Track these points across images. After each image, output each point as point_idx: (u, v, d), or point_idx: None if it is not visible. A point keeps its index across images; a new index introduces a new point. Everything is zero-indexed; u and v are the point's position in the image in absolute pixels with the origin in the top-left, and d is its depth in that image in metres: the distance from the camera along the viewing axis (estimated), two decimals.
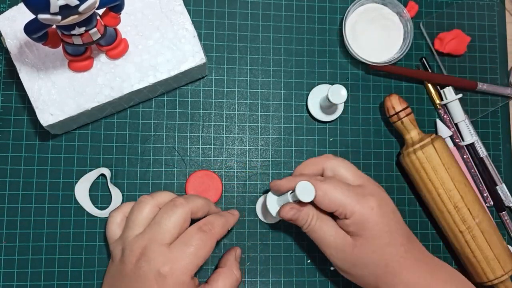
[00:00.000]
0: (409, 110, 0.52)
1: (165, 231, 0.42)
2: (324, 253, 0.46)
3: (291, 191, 0.48)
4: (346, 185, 0.45)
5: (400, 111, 0.52)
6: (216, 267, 0.49)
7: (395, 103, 0.52)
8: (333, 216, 0.46)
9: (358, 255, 0.44)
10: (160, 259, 0.41)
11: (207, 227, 0.43)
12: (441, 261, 0.47)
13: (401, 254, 0.44)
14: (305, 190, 0.45)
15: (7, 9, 0.49)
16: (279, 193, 0.48)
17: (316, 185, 0.44)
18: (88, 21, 0.40)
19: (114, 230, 0.46)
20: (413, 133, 0.53)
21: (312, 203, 0.45)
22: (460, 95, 0.56)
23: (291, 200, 0.48)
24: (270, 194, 0.52)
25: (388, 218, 0.44)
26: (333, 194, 0.44)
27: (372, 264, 0.44)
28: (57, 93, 0.47)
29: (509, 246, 0.54)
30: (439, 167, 0.50)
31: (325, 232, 0.45)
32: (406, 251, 0.44)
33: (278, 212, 0.49)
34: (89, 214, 0.52)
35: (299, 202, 0.45)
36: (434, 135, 0.52)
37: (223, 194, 0.53)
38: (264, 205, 0.52)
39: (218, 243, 0.48)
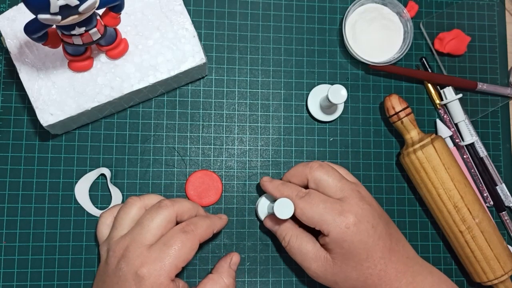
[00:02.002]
0: (409, 110, 0.52)
1: (146, 232, 0.42)
2: (306, 271, 0.47)
3: (271, 202, 0.49)
4: (324, 201, 0.45)
5: (400, 111, 0.52)
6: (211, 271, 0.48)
7: (395, 103, 0.52)
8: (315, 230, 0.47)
9: (338, 272, 0.45)
10: (139, 260, 0.40)
11: (190, 227, 0.43)
12: (430, 265, 0.48)
13: (381, 268, 0.44)
14: (283, 208, 0.46)
15: (7, 9, 0.49)
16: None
17: (295, 203, 0.45)
18: (88, 21, 0.40)
19: (104, 231, 0.46)
20: (413, 133, 0.53)
21: (294, 218, 0.47)
22: (460, 95, 0.56)
23: (270, 210, 0.49)
24: (263, 198, 0.52)
25: (365, 235, 0.44)
26: (310, 212, 0.45)
27: (352, 279, 0.45)
28: (57, 93, 0.47)
29: (509, 246, 0.54)
30: (439, 167, 0.50)
31: (304, 252, 0.46)
32: (386, 264, 0.45)
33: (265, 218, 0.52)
34: (89, 214, 0.52)
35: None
36: (434, 135, 0.52)
37: (223, 194, 0.53)
38: (264, 206, 0.52)
39: (202, 245, 0.48)
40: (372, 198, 0.48)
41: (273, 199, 0.49)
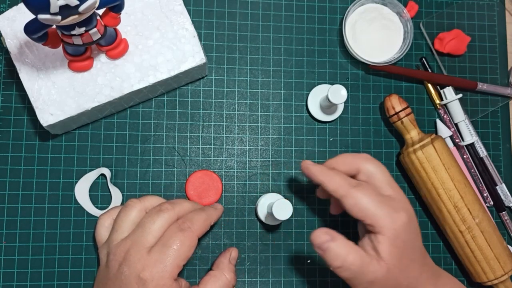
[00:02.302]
0: (409, 110, 0.52)
1: (148, 235, 0.42)
2: (355, 286, 0.42)
3: (271, 202, 0.49)
4: (379, 195, 0.42)
5: (400, 111, 0.52)
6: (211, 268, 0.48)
7: (395, 103, 0.52)
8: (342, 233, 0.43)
9: (390, 278, 0.41)
10: (141, 263, 0.40)
11: (186, 224, 0.42)
12: (445, 272, 0.48)
13: (419, 271, 0.43)
14: (283, 209, 0.46)
15: (7, 9, 0.49)
16: (306, 176, 0.45)
17: (349, 191, 0.42)
18: (88, 21, 0.40)
19: (103, 233, 0.46)
20: (413, 133, 0.53)
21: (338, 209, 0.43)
22: (460, 95, 0.56)
23: (269, 211, 0.49)
24: (263, 198, 0.52)
25: (414, 235, 0.43)
26: (364, 204, 0.41)
27: (398, 284, 0.42)
28: (57, 93, 0.47)
29: (509, 246, 0.54)
30: (439, 167, 0.50)
31: (357, 266, 0.41)
32: (422, 270, 0.44)
33: (266, 218, 0.52)
34: (89, 214, 0.52)
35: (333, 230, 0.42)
36: (434, 135, 0.52)
37: (223, 194, 0.53)
38: (264, 206, 0.52)
39: (201, 242, 0.48)
40: None
41: (277, 199, 0.48)
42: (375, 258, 0.41)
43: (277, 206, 0.46)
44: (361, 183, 0.43)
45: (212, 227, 0.50)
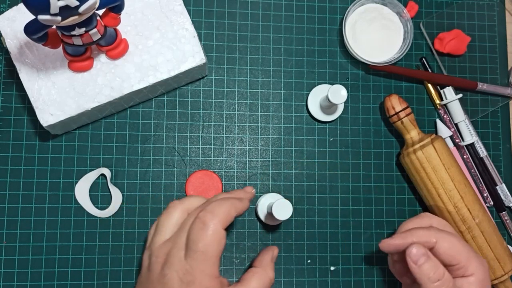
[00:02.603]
0: (409, 110, 0.52)
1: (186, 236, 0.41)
2: None
3: (271, 202, 0.49)
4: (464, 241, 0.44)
5: (400, 111, 0.52)
6: (250, 265, 0.47)
7: (395, 103, 0.52)
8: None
9: None
10: (181, 266, 0.39)
11: (207, 217, 0.40)
12: None
13: None
14: (282, 209, 0.46)
15: (7, 9, 0.49)
16: (395, 251, 0.45)
17: (440, 235, 0.42)
18: (88, 22, 0.40)
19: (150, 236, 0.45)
20: (413, 133, 0.53)
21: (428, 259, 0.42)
22: (460, 95, 0.56)
23: (269, 210, 0.49)
24: (263, 198, 0.52)
25: (490, 283, 0.44)
26: (459, 247, 0.42)
27: None
28: (57, 93, 0.47)
29: (509, 246, 0.54)
30: (439, 167, 0.51)
31: None
32: None
33: (266, 218, 0.52)
34: (89, 214, 0.52)
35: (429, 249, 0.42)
36: (434, 135, 0.52)
37: None
38: (264, 206, 0.52)
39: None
40: None
41: (277, 198, 0.49)
42: None
43: (277, 206, 0.46)
44: (444, 230, 0.44)
45: (236, 218, 0.48)
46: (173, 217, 0.43)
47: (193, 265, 0.39)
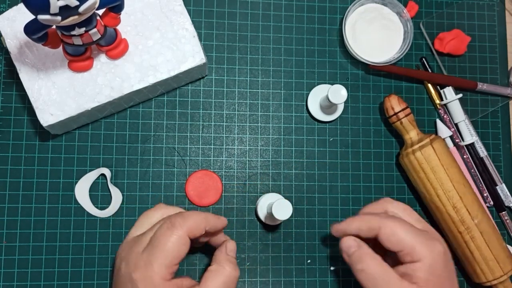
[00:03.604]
0: (408, 110, 0.52)
1: (148, 235, 0.41)
2: None
3: (271, 202, 0.49)
4: (413, 226, 0.43)
5: (399, 111, 0.52)
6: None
7: (394, 104, 0.52)
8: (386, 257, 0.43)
9: None
10: (134, 262, 0.40)
11: (177, 221, 0.40)
12: None
13: None
14: (282, 209, 0.46)
15: (7, 9, 0.49)
16: (342, 235, 0.45)
17: (382, 222, 0.42)
18: (88, 22, 0.40)
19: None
20: (412, 134, 0.53)
21: (373, 242, 0.43)
22: (460, 95, 0.56)
23: (269, 211, 0.49)
24: (263, 198, 0.52)
25: (450, 265, 0.43)
26: (401, 233, 0.41)
27: None
28: (57, 93, 0.47)
29: (509, 246, 0.54)
30: (437, 168, 0.50)
31: (386, 282, 0.41)
32: None
33: (266, 218, 0.52)
34: (89, 214, 0.52)
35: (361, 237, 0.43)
36: (433, 136, 0.52)
37: (223, 194, 0.53)
38: (264, 206, 0.52)
39: (203, 248, 0.46)
40: None
41: (277, 198, 0.49)
42: (408, 282, 0.41)
43: (277, 206, 0.46)
44: (394, 215, 0.44)
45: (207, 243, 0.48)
46: (153, 217, 0.44)
47: (147, 260, 0.39)
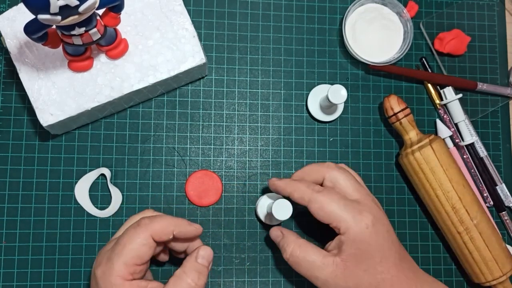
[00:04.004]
0: (407, 111, 0.52)
1: (119, 232, 0.43)
2: (314, 282, 0.44)
3: (271, 202, 0.49)
4: (343, 198, 0.44)
5: (399, 112, 0.52)
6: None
7: (394, 104, 0.52)
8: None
9: (350, 277, 0.43)
10: (99, 259, 0.41)
11: (144, 221, 0.40)
12: (433, 278, 0.47)
13: (393, 273, 0.43)
14: (282, 208, 0.46)
15: (7, 9, 0.49)
16: (275, 192, 0.48)
17: (313, 196, 0.44)
18: (88, 22, 0.40)
19: None
20: (411, 134, 0.52)
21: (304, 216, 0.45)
22: (460, 95, 0.56)
23: (268, 211, 0.49)
24: (263, 198, 0.52)
25: (381, 237, 0.43)
26: (329, 207, 0.43)
27: (364, 285, 0.43)
28: (57, 93, 0.47)
29: (509, 247, 0.54)
30: (437, 169, 0.50)
31: (310, 261, 0.44)
32: (398, 270, 0.44)
33: (266, 218, 0.52)
34: (89, 214, 0.52)
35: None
36: (432, 136, 0.52)
37: (223, 194, 0.53)
38: (264, 206, 0.52)
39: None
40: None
41: (277, 198, 0.49)
42: (332, 256, 0.43)
43: (277, 206, 0.46)
44: (325, 188, 0.45)
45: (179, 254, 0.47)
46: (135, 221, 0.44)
47: (109, 257, 0.40)
